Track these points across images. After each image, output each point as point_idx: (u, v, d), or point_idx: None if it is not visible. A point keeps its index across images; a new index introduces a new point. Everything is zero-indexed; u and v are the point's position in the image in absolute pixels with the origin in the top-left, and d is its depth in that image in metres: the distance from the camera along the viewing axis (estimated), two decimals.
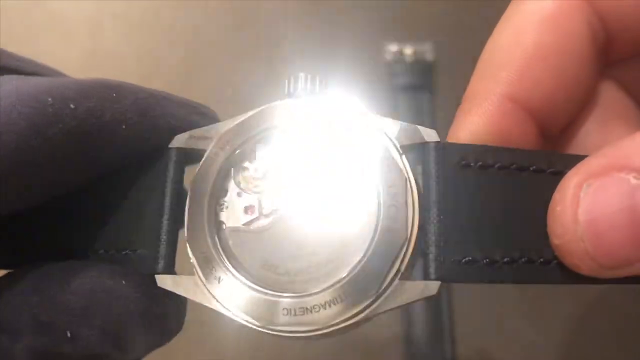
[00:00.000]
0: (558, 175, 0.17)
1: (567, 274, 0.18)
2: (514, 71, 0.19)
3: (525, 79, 0.19)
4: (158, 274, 0.19)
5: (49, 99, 0.17)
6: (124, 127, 0.19)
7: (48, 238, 0.20)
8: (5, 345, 0.17)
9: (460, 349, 0.37)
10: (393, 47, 0.45)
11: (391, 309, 0.18)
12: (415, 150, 0.18)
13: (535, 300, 0.38)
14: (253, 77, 0.45)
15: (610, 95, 0.22)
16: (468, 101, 0.20)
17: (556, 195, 0.17)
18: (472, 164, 0.18)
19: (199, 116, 0.21)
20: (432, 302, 0.38)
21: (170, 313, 0.19)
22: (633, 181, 0.16)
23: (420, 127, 0.18)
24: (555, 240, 0.17)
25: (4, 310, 0.17)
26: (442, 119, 0.43)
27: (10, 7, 0.46)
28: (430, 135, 0.18)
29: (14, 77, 0.19)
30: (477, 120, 0.20)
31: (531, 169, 0.18)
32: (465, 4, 0.47)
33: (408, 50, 0.45)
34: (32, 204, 0.18)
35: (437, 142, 0.18)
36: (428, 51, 0.45)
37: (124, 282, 0.18)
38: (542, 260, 0.18)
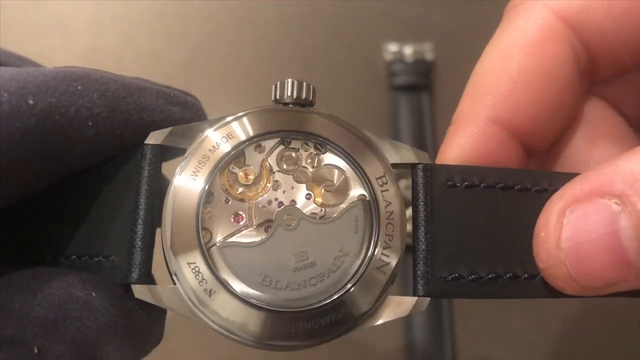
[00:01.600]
0: (543, 192, 0.18)
1: (551, 289, 0.18)
2: (498, 95, 0.20)
3: (509, 102, 0.20)
4: (133, 283, 0.17)
5: (4, 94, 0.15)
6: (90, 123, 0.17)
7: (14, 242, 0.18)
8: None
9: (461, 349, 0.37)
10: (393, 47, 0.45)
11: (383, 322, 0.18)
12: (406, 168, 0.19)
13: (535, 301, 0.38)
14: (253, 77, 0.45)
15: (597, 112, 0.22)
16: (456, 123, 0.21)
17: (540, 221, 0.18)
18: (458, 184, 0.18)
19: (178, 107, 0.19)
20: (432, 302, 0.38)
21: (146, 326, 0.18)
22: (614, 207, 0.17)
23: (413, 149, 0.19)
24: (540, 264, 0.18)
25: None
26: (442, 119, 0.43)
27: (10, 7, 0.46)
28: (421, 157, 0.19)
29: None
30: (463, 142, 0.20)
31: (516, 187, 0.19)
32: (465, 4, 0.47)
33: (408, 50, 0.45)
34: None
35: (426, 164, 0.18)
36: (428, 51, 0.45)
37: (94, 293, 0.17)
38: (526, 275, 0.18)
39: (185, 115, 0.19)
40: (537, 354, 0.37)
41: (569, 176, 0.18)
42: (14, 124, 0.15)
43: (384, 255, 0.18)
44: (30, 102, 0.16)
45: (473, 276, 0.18)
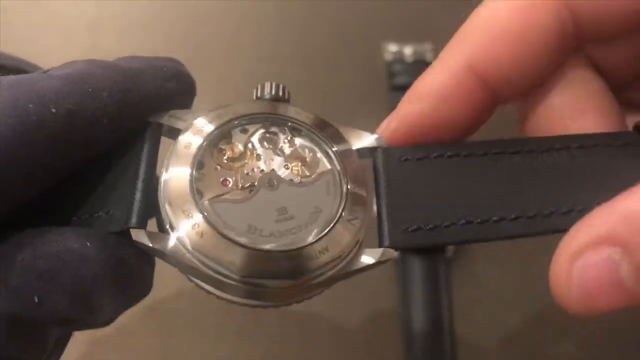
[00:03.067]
0: (485, 156, 0.22)
1: (501, 232, 0.21)
2: (477, 46, 0.23)
3: (486, 55, 0.23)
4: (132, 227, 0.19)
5: (30, 106, 0.17)
6: (105, 121, 0.19)
7: (27, 214, 0.20)
8: None
9: (460, 349, 0.37)
10: (393, 47, 0.45)
11: (355, 271, 0.21)
12: (368, 152, 0.23)
13: (535, 301, 0.38)
14: (253, 77, 0.45)
15: (582, 77, 0.24)
16: (433, 64, 0.24)
17: (553, 268, 0.20)
18: (409, 158, 0.22)
19: (173, 81, 0.21)
20: (432, 302, 0.38)
21: (137, 275, 0.20)
22: (617, 257, 0.19)
23: (374, 136, 0.23)
24: (555, 298, 0.22)
25: None
26: None
27: (10, 7, 0.46)
28: (380, 142, 0.23)
29: None
30: (436, 78, 0.23)
31: (462, 154, 0.22)
32: (465, 4, 0.47)
33: (408, 51, 0.45)
34: (17, 204, 0.18)
35: (385, 147, 0.23)
36: (428, 51, 0.45)
37: (88, 244, 0.18)
38: (479, 220, 0.21)
39: (180, 87, 0.22)
40: (537, 354, 0.37)
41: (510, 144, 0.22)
42: (43, 132, 0.17)
43: (354, 210, 0.21)
44: (53, 110, 0.18)
45: (430, 225, 0.21)
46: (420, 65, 0.44)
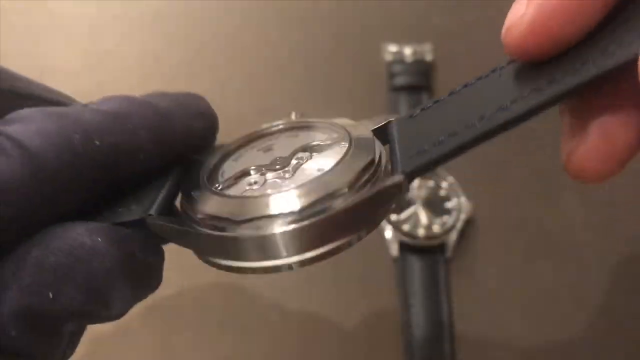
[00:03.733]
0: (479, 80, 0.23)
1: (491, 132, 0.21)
2: None
3: None
4: (150, 215, 0.20)
5: (76, 136, 0.19)
6: (141, 157, 0.20)
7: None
8: None
9: (460, 349, 0.37)
10: (393, 48, 0.45)
11: (385, 189, 0.20)
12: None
13: (535, 301, 0.38)
14: (253, 77, 0.45)
15: None
16: None
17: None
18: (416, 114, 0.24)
19: (199, 120, 0.23)
20: (432, 302, 0.38)
21: (147, 269, 0.20)
22: None
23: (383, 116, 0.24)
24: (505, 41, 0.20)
25: None
26: None
27: (10, 7, 0.46)
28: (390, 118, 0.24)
29: (37, 110, 0.20)
30: None
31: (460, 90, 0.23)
32: (465, 4, 0.47)
33: (408, 51, 0.45)
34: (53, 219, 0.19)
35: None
36: (428, 52, 0.45)
37: (99, 239, 0.19)
38: (482, 116, 0.21)
39: (205, 125, 0.23)
40: (537, 354, 0.37)
41: None
42: (87, 161, 0.19)
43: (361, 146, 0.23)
44: (97, 142, 0.19)
45: (435, 143, 0.21)
46: (420, 66, 0.44)
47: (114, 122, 0.20)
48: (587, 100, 0.21)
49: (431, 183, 0.41)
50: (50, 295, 0.18)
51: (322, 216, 0.19)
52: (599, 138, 0.19)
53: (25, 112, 0.20)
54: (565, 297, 0.39)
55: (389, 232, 0.39)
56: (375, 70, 0.45)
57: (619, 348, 0.37)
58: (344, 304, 0.38)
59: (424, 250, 0.39)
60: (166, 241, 0.22)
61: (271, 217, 0.19)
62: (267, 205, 0.19)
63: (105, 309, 0.19)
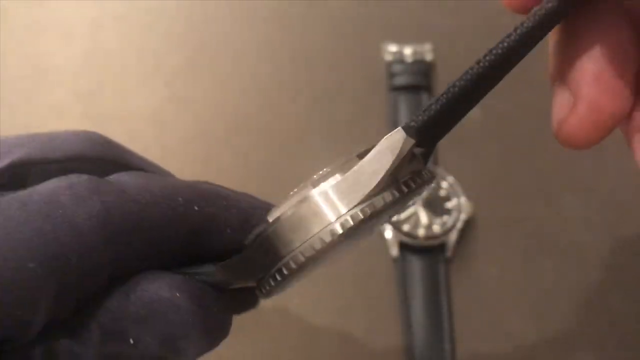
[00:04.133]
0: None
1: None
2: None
3: None
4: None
5: (180, 199, 0.20)
6: (229, 231, 0.21)
7: None
8: (77, 351, 0.19)
9: (460, 349, 0.37)
10: (393, 48, 0.45)
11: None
12: None
13: (535, 300, 0.38)
14: (253, 77, 0.45)
15: None
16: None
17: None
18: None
19: (263, 210, 0.23)
20: (432, 302, 0.38)
21: (220, 322, 0.21)
22: None
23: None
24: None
25: (76, 318, 0.19)
26: None
27: (10, 7, 0.46)
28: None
29: (141, 173, 0.21)
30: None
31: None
32: (465, 5, 0.47)
33: (408, 51, 0.45)
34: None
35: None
36: (427, 52, 0.45)
37: (178, 294, 0.20)
38: (479, 61, 0.20)
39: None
40: (537, 354, 0.37)
41: None
42: (186, 223, 0.20)
43: None
44: (196, 208, 0.20)
45: (436, 100, 0.20)
46: (420, 66, 0.45)
47: (212, 195, 0.21)
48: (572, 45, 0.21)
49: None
50: (131, 341, 0.19)
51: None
52: (587, 109, 0.20)
53: (131, 173, 0.21)
54: (565, 297, 0.39)
55: (389, 232, 0.39)
56: (375, 70, 0.45)
57: (618, 348, 0.37)
58: (344, 304, 0.38)
59: (424, 250, 0.39)
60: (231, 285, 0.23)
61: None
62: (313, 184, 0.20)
63: (177, 356, 0.20)
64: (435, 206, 0.40)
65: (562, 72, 0.21)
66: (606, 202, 0.41)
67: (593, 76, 0.20)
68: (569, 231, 0.40)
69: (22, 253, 0.17)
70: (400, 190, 0.20)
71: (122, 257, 0.19)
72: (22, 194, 0.19)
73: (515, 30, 0.20)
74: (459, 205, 0.40)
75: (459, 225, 0.39)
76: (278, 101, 0.44)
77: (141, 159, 0.24)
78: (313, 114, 0.44)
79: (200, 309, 0.20)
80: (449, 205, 0.40)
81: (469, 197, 0.40)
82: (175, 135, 0.43)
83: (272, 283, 0.20)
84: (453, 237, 0.39)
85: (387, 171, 0.19)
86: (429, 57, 0.45)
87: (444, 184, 0.41)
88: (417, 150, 0.21)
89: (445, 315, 0.38)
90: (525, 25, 0.20)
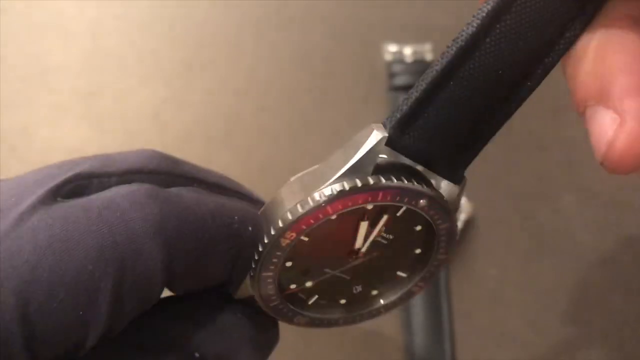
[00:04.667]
0: None
1: None
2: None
3: None
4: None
5: (235, 217, 0.21)
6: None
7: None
8: None
9: (460, 349, 0.37)
10: (393, 48, 0.45)
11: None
12: None
13: (535, 300, 0.38)
14: (253, 77, 0.45)
15: None
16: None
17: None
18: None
19: (259, 205, 0.24)
20: (432, 302, 0.38)
21: (272, 338, 0.23)
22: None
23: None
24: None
25: (149, 333, 0.20)
26: None
27: (10, 7, 0.46)
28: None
29: (198, 189, 0.22)
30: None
31: None
32: (465, 5, 0.47)
33: (408, 51, 0.45)
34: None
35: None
36: (428, 52, 0.45)
37: (239, 314, 0.22)
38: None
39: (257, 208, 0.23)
40: (537, 354, 0.37)
41: None
42: (235, 241, 0.21)
43: None
44: (250, 229, 0.21)
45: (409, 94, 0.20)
46: (420, 66, 0.45)
47: (259, 221, 0.21)
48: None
49: None
50: (197, 355, 0.21)
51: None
52: (638, 122, 0.18)
53: (189, 188, 0.22)
54: (565, 297, 0.39)
55: None
56: (375, 70, 0.45)
57: (618, 347, 0.37)
58: None
59: None
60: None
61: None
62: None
63: None
64: None
65: (598, 92, 0.19)
66: (606, 202, 0.41)
67: (636, 89, 0.18)
68: (569, 231, 0.40)
69: (81, 256, 0.18)
70: (364, 182, 0.19)
71: (176, 265, 0.19)
72: (83, 200, 0.19)
73: (473, 18, 0.20)
74: (459, 205, 0.40)
75: (459, 225, 0.39)
76: (278, 101, 0.44)
77: (205, 171, 0.25)
78: (313, 114, 0.44)
79: (259, 326, 0.22)
80: None
81: (469, 197, 0.40)
82: (175, 135, 0.43)
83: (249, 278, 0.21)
84: None
85: (351, 163, 0.19)
86: (429, 57, 0.45)
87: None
88: (420, 168, 0.20)
89: (445, 315, 0.38)
90: (481, 10, 0.20)
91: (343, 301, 0.23)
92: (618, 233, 0.40)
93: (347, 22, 0.47)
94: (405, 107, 0.19)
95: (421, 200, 0.20)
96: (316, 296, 0.22)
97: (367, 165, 0.19)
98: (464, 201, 0.40)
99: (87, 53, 0.46)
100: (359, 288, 0.22)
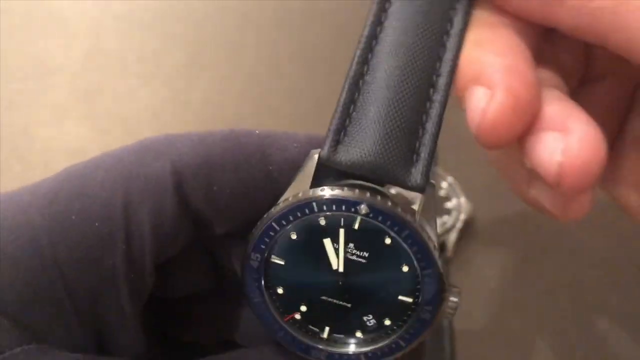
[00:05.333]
0: None
1: None
2: None
3: None
4: None
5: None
6: None
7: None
8: None
9: (460, 349, 0.37)
10: None
11: None
12: None
13: (535, 301, 0.38)
14: (253, 77, 0.45)
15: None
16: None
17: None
18: None
19: None
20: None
21: None
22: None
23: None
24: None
25: None
26: None
27: (10, 7, 0.46)
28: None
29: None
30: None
31: None
32: None
33: None
34: None
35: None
36: None
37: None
38: None
39: None
40: (537, 354, 0.37)
41: None
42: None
43: None
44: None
45: None
46: None
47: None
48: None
49: None
50: None
51: None
52: (505, 93, 0.19)
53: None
54: (565, 297, 0.39)
55: None
56: None
57: (618, 347, 0.37)
58: None
59: None
60: None
61: None
62: None
63: None
64: (436, 206, 0.40)
65: (475, 74, 0.21)
66: (606, 202, 0.41)
67: (505, 67, 0.20)
68: (569, 231, 0.40)
69: (95, 207, 0.19)
70: (296, 197, 0.20)
71: (195, 206, 0.20)
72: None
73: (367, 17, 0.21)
74: (459, 205, 0.40)
75: (459, 225, 0.39)
76: (278, 101, 0.44)
77: None
78: (313, 113, 0.44)
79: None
80: (449, 205, 0.40)
81: (468, 197, 0.40)
82: None
83: None
84: (453, 237, 0.39)
85: (293, 186, 0.20)
86: None
87: (444, 184, 0.41)
88: (389, 189, 0.20)
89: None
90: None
91: (359, 334, 0.22)
92: (618, 233, 0.40)
93: (347, 22, 0.47)
94: (334, 118, 0.21)
95: (360, 207, 0.20)
96: (327, 328, 0.22)
97: (307, 184, 0.20)
98: (463, 201, 0.40)
99: (88, 53, 0.46)
100: (371, 319, 0.22)
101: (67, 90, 0.44)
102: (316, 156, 0.20)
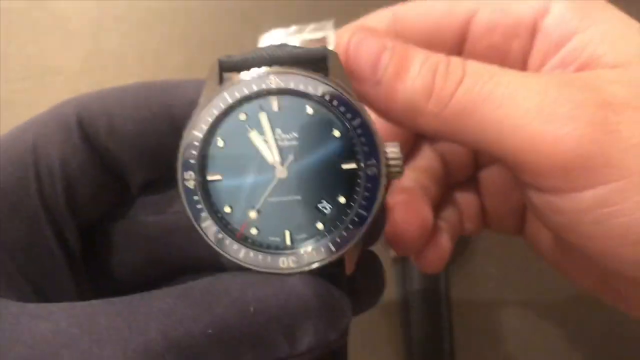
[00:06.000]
0: None
1: None
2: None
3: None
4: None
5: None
6: None
7: None
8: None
9: (459, 348, 0.37)
10: None
11: None
12: None
13: (535, 300, 0.38)
14: None
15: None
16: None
17: None
18: None
19: None
20: (431, 302, 0.38)
21: (338, 308, 0.22)
22: None
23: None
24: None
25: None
26: None
27: (10, 7, 0.46)
28: None
29: None
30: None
31: None
32: None
33: None
34: None
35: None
36: None
37: (298, 280, 0.21)
38: None
39: None
40: (536, 354, 0.37)
41: None
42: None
43: None
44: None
45: None
46: None
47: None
48: None
49: None
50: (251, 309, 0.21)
51: None
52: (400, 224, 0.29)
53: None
54: (564, 297, 0.39)
55: None
56: None
57: (618, 347, 0.37)
58: None
59: None
60: None
61: None
62: None
63: (292, 344, 0.21)
64: None
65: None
66: None
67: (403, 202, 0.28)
68: None
69: (7, 154, 0.21)
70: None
71: (100, 142, 0.22)
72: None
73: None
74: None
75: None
76: None
77: None
78: None
79: (319, 294, 0.21)
80: None
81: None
82: None
83: None
84: None
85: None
86: None
87: None
88: None
89: (444, 314, 0.38)
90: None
91: (320, 226, 0.22)
92: None
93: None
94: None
95: (269, 78, 0.21)
96: (287, 232, 0.22)
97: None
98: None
99: (88, 53, 0.46)
100: (325, 204, 0.22)
101: (67, 90, 0.44)
102: (217, 68, 0.21)
